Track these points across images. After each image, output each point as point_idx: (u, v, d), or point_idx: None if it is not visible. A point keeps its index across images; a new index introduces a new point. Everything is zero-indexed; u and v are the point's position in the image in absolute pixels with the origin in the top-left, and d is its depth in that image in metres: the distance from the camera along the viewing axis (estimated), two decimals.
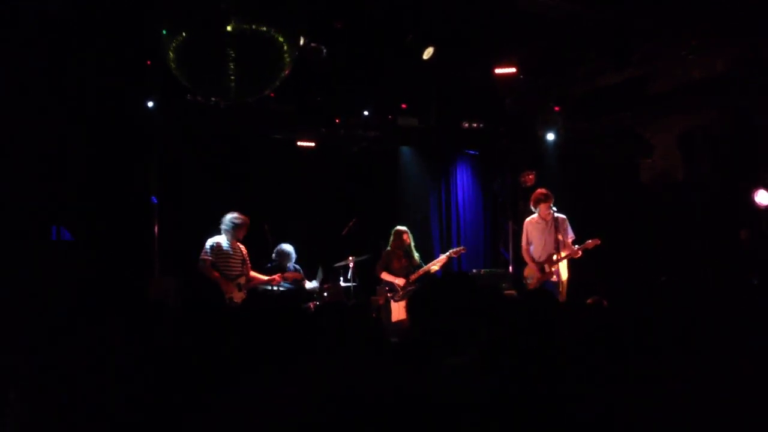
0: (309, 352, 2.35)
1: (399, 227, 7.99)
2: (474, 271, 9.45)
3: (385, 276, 7.91)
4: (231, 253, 7.03)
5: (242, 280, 7.06)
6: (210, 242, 6.97)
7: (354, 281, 8.23)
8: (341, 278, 8.34)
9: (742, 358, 2.39)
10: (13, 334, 3.28)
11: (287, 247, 7.88)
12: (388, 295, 7.88)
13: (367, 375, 1.82)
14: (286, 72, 5.08)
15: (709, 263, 7.54)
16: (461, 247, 8.29)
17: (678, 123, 8.48)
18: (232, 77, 4.70)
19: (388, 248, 7.97)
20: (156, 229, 7.76)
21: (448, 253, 7.99)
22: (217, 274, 6.87)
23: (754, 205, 7.37)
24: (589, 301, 4.06)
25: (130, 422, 2.17)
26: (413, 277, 7.80)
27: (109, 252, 7.17)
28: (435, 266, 7.87)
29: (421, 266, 7.90)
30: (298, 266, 7.94)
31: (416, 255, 7.98)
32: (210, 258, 6.90)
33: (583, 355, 2.21)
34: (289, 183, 9.21)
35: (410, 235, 7.96)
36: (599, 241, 7.37)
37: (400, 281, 7.81)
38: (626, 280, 7.69)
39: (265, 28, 4.64)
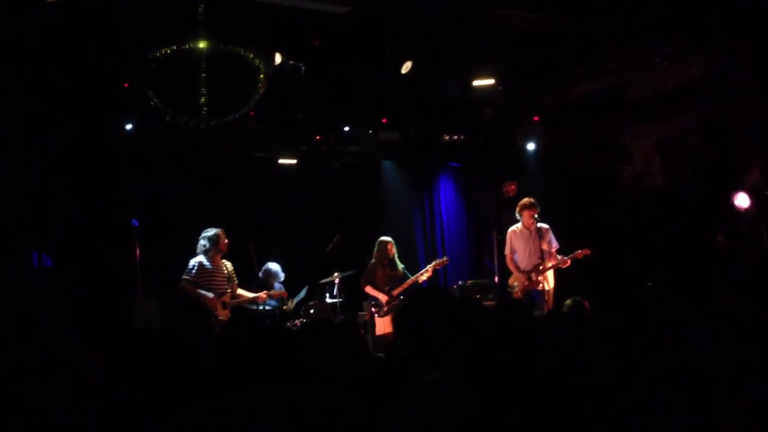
0: (293, 373, 2.33)
1: (383, 237, 7.99)
2: (459, 282, 9.45)
3: (369, 290, 7.88)
4: (214, 271, 6.97)
5: (227, 298, 7.00)
6: (192, 262, 6.92)
7: (340, 297, 8.21)
8: (327, 294, 8.31)
9: (725, 364, 2.41)
10: None
11: (274, 267, 7.87)
12: (373, 309, 7.85)
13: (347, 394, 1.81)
14: (261, 91, 5.09)
15: (690, 267, 7.60)
16: (444, 258, 8.25)
17: (655, 130, 8.56)
18: (204, 98, 4.70)
19: (373, 260, 7.95)
20: (138, 251, 7.70)
21: (432, 265, 7.97)
22: (199, 292, 6.80)
23: (734, 208, 7.44)
24: (567, 302, 4.05)
25: None
26: (396, 291, 7.78)
27: (91, 276, 7.11)
28: (420, 278, 7.86)
29: (406, 278, 7.87)
30: (282, 286, 7.93)
31: (400, 266, 7.97)
32: (191, 278, 6.83)
33: (564, 365, 2.21)
34: (271, 201, 9.19)
35: (394, 245, 7.95)
36: (589, 251, 7.38)
37: (383, 297, 7.77)
38: (610, 287, 7.71)
39: (237, 49, 4.66)
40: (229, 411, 2.01)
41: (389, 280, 7.85)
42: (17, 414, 2.46)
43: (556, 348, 2.39)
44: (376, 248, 7.96)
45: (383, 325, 7.72)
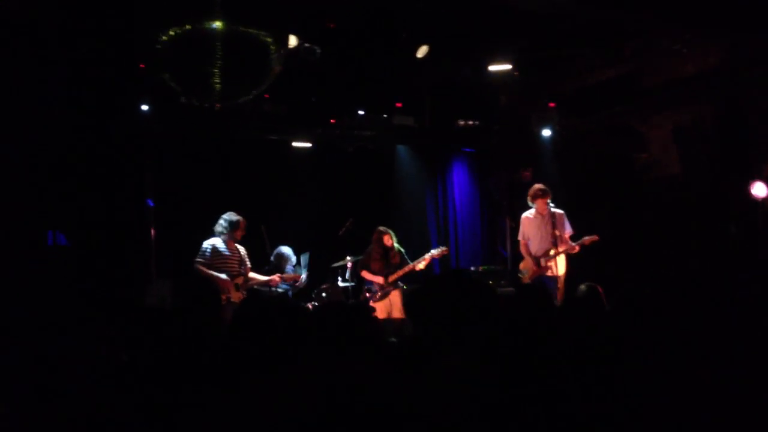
0: (308, 353, 2.35)
1: (380, 228, 7.94)
2: (471, 268, 9.45)
3: (366, 275, 7.93)
4: (228, 254, 7.00)
5: (240, 281, 7.03)
6: (206, 244, 6.94)
7: (352, 281, 8.22)
8: (339, 278, 8.33)
9: (735, 354, 2.40)
10: (9, 340, 3.27)
11: (286, 250, 7.89)
12: (367, 294, 7.89)
13: (365, 376, 1.82)
14: (275, 73, 5.08)
15: (703, 256, 7.57)
16: (444, 248, 8.10)
17: (672, 117, 8.49)
18: (218, 79, 4.70)
19: (370, 247, 7.96)
20: (153, 231, 7.75)
21: (431, 253, 7.91)
22: (213, 273, 6.83)
23: (750, 197, 7.39)
24: (582, 287, 4.05)
25: (124, 425, 2.16)
26: (392, 277, 7.78)
27: (106, 256, 7.16)
28: (418, 266, 7.81)
29: (403, 265, 7.83)
30: (295, 269, 7.95)
31: (398, 252, 7.88)
32: (205, 261, 6.87)
33: (578, 352, 2.21)
34: (285, 184, 9.21)
35: (392, 236, 7.89)
36: (597, 238, 7.38)
37: (378, 280, 7.81)
38: (623, 274, 7.70)
39: (252, 30, 4.65)
40: (243, 391, 2.02)
41: (382, 270, 7.85)
42: (33, 393, 2.49)
43: (572, 333, 2.38)
44: (373, 237, 7.95)
45: (377, 311, 7.75)
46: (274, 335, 2.34)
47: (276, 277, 7.44)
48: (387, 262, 7.83)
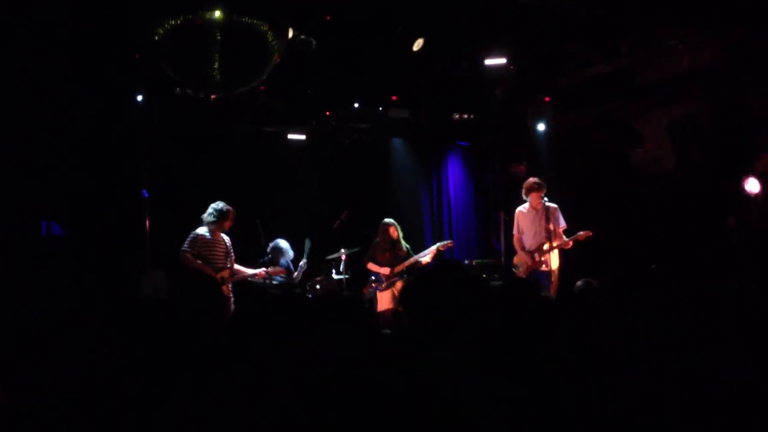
0: (302, 341, 2.36)
1: (386, 220, 8.02)
2: (465, 262, 9.47)
3: (371, 266, 7.99)
4: (214, 244, 6.91)
5: (226, 273, 6.92)
6: (192, 234, 6.86)
7: (346, 274, 8.23)
8: (333, 271, 8.34)
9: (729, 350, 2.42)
10: (3, 331, 3.27)
11: (283, 244, 7.88)
12: (373, 285, 7.94)
13: (357, 366, 1.84)
14: (274, 63, 5.07)
15: (698, 251, 7.60)
16: (449, 241, 8.31)
17: (667, 113, 8.52)
18: (218, 69, 4.69)
19: (376, 239, 8.02)
20: (147, 222, 7.72)
21: (436, 246, 8.00)
22: (200, 263, 6.77)
23: (743, 192, 7.43)
24: (578, 283, 4.07)
25: (118, 415, 2.17)
26: (398, 268, 7.84)
27: (100, 246, 7.14)
28: (423, 258, 7.89)
29: (409, 257, 7.91)
30: (289, 263, 7.95)
31: (404, 246, 7.98)
32: (191, 250, 6.78)
33: (574, 346, 2.22)
34: (280, 176, 9.19)
35: (398, 228, 7.97)
36: (591, 233, 7.41)
37: (385, 271, 7.86)
38: (617, 269, 7.72)
39: (252, 20, 4.64)
40: (238, 382, 2.03)
41: (390, 261, 7.91)
42: (27, 384, 2.50)
43: (568, 327, 2.40)
44: (379, 229, 8.01)
45: (384, 301, 7.82)
46: (272, 325, 2.35)
47: (262, 271, 7.41)
48: (394, 254, 7.91)
